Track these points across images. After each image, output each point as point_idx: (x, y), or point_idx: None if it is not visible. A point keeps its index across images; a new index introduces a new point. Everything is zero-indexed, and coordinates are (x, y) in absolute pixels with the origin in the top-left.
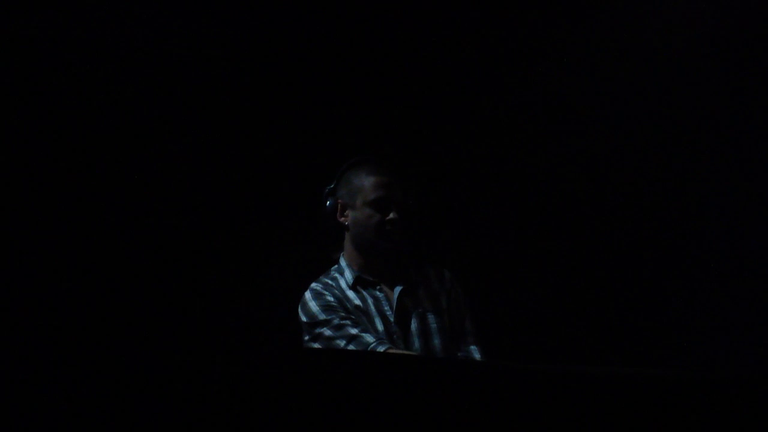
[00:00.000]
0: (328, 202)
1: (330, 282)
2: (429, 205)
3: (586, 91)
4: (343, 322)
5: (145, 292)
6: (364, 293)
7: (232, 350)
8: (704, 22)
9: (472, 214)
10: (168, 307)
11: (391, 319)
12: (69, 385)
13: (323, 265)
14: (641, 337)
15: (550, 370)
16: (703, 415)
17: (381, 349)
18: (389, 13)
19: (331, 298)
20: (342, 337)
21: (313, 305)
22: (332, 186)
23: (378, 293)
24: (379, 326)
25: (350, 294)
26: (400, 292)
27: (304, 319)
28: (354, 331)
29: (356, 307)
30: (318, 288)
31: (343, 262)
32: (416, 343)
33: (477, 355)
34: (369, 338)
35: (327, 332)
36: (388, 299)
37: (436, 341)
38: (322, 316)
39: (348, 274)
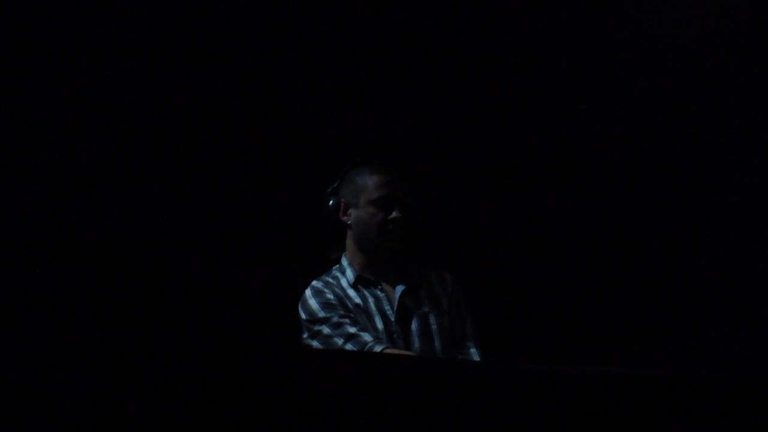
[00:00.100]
0: (330, 201)
1: (331, 280)
2: (430, 205)
3: (588, 90)
4: (342, 320)
5: (145, 292)
6: (365, 292)
7: (229, 350)
8: (703, 20)
9: (471, 213)
10: (167, 307)
11: (392, 318)
12: (69, 384)
13: (321, 265)
14: (641, 337)
15: (548, 370)
16: (703, 415)
17: (378, 348)
18: (392, 12)
19: (331, 296)
20: (340, 336)
21: (313, 303)
22: (335, 185)
23: (379, 292)
24: (379, 325)
25: (351, 292)
26: (402, 292)
27: (303, 316)
28: (352, 329)
29: (356, 305)
30: (318, 286)
31: (344, 261)
32: (416, 343)
33: (476, 359)
34: (367, 337)
35: (325, 330)
36: (389, 298)
37: (437, 342)
38: (321, 314)
39: (349, 273)
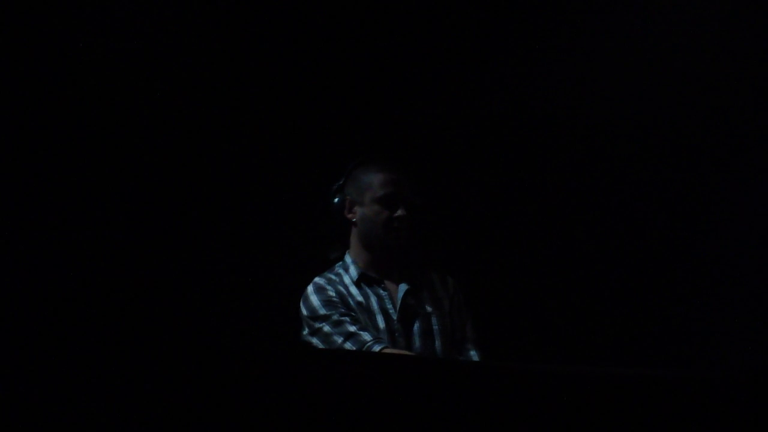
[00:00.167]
0: (336, 199)
1: (333, 277)
2: (432, 205)
3: (589, 90)
4: (342, 318)
5: (143, 291)
6: (368, 290)
7: (226, 350)
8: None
9: (471, 214)
10: (166, 307)
11: (394, 317)
12: (69, 384)
13: (319, 264)
14: (640, 337)
15: (547, 370)
16: (703, 415)
17: (377, 348)
18: (397, 11)
19: (332, 294)
20: (340, 334)
21: (315, 299)
22: (340, 182)
23: (381, 291)
24: (381, 323)
25: (353, 290)
26: (405, 291)
27: (304, 312)
28: (352, 328)
29: (358, 303)
30: (321, 282)
31: (348, 259)
32: (417, 343)
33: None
34: (366, 336)
35: (326, 328)
36: (392, 297)
37: (437, 344)
38: (322, 311)
39: (353, 270)
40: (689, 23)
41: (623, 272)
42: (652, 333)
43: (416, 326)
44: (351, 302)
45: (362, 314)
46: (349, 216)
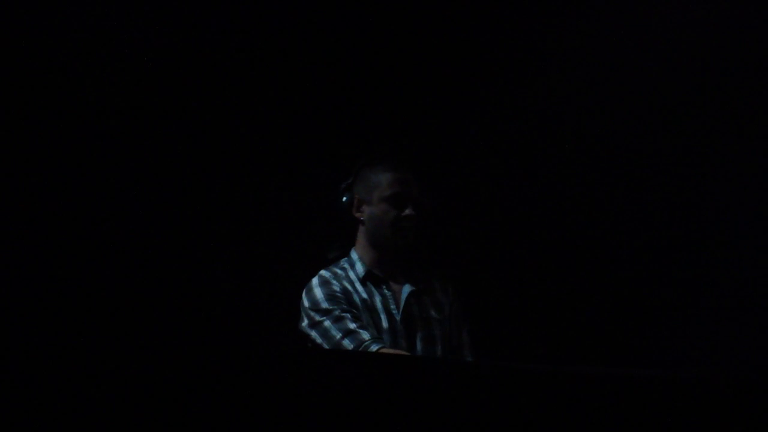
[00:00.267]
0: (344, 197)
1: (339, 272)
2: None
3: (589, 91)
4: (344, 314)
5: (142, 290)
6: (373, 288)
7: (224, 349)
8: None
9: (470, 216)
10: (164, 307)
11: (397, 318)
12: (69, 384)
13: (318, 264)
14: (640, 338)
15: (545, 370)
16: (703, 415)
17: (374, 347)
18: (401, 12)
19: (337, 288)
20: (339, 330)
21: (318, 292)
22: (349, 181)
23: (386, 291)
24: (384, 323)
25: (359, 287)
26: (409, 293)
27: (306, 303)
28: (352, 325)
29: (363, 300)
30: (326, 276)
31: (354, 255)
32: (419, 346)
33: None
34: (365, 335)
35: (326, 322)
36: (395, 298)
37: (438, 348)
38: (324, 305)
39: (359, 267)
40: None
41: (622, 273)
42: (652, 333)
43: (419, 330)
44: (355, 299)
45: (365, 312)
46: (357, 215)
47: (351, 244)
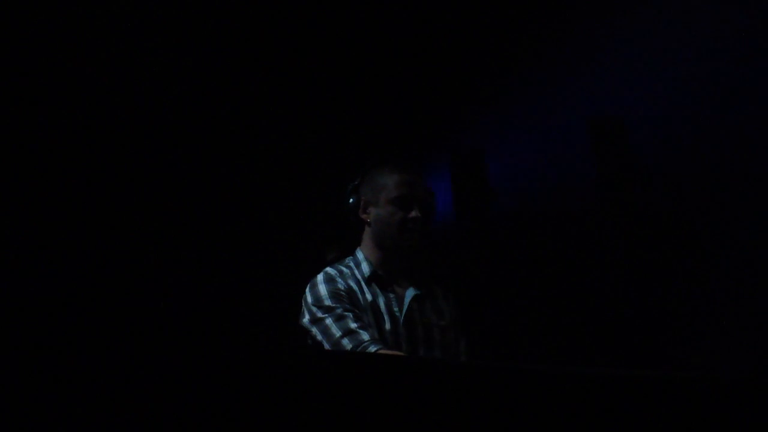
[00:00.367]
0: (351, 199)
1: (345, 270)
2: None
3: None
4: (345, 313)
5: (141, 290)
6: (377, 289)
7: (221, 350)
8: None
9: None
10: (163, 308)
11: (400, 321)
12: (69, 384)
13: (317, 265)
14: (639, 338)
15: (543, 371)
16: (703, 415)
17: (373, 348)
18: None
19: (341, 286)
20: (340, 329)
21: (323, 288)
22: (356, 183)
23: (390, 294)
24: (387, 325)
25: (364, 287)
26: (413, 297)
27: (309, 299)
28: (353, 325)
29: (367, 301)
30: (332, 273)
31: (360, 255)
32: (420, 351)
33: None
34: (364, 336)
35: (328, 320)
36: (399, 301)
37: (438, 353)
38: (327, 302)
39: (365, 267)
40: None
41: (622, 272)
42: (651, 334)
43: (420, 334)
44: (359, 298)
45: (368, 312)
46: (364, 216)
47: (356, 244)
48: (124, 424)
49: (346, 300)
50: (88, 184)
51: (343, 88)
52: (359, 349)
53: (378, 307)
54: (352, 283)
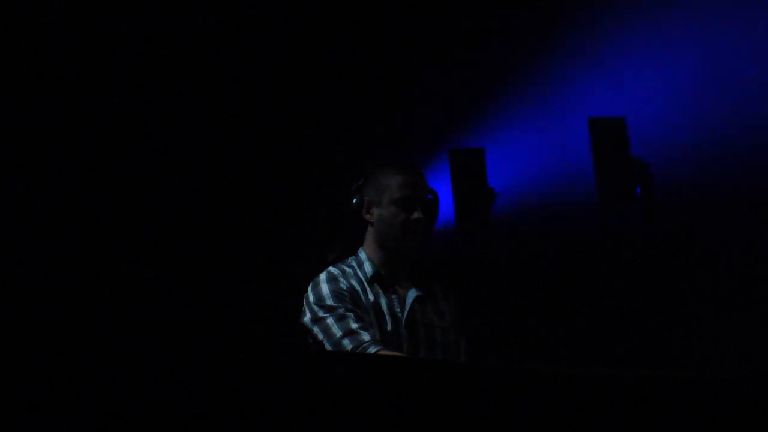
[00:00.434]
0: (354, 199)
1: (347, 269)
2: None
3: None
4: (347, 313)
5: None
6: (379, 290)
7: (221, 349)
8: None
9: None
10: (162, 309)
11: (402, 322)
12: (69, 385)
13: (316, 266)
14: (640, 339)
15: (543, 372)
16: (703, 415)
17: (373, 349)
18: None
19: (344, 286)
20: (341, 329)
21: (325, 287)
22: (360, 183)
23: (392, 294)
24: (389, 326)
25: (367, 287)
26: (415, 298)
27: (311, 298)
28: (354, 325)
29: (369, 301)
30: (335, 272)
31: (362, 255)
32: (421, 352)
33: None
34: (365, 336)
35: (329, 320)
36: (401, 302)
37: (438, 354)
38: (329, 302)
39: (367, 267)
40: None
41: (622, 274)
42: (651, 334)
43: (422, 335)
44: (361, 298)
45: (370, 312)
46: (367, 216)
47: (358, 244)
48: (124, 424)
49: (348, 300)
50: (88, 184)
51: (343, 88)
52: (359, 349)
53: (380, 307)
54: (355, 283)
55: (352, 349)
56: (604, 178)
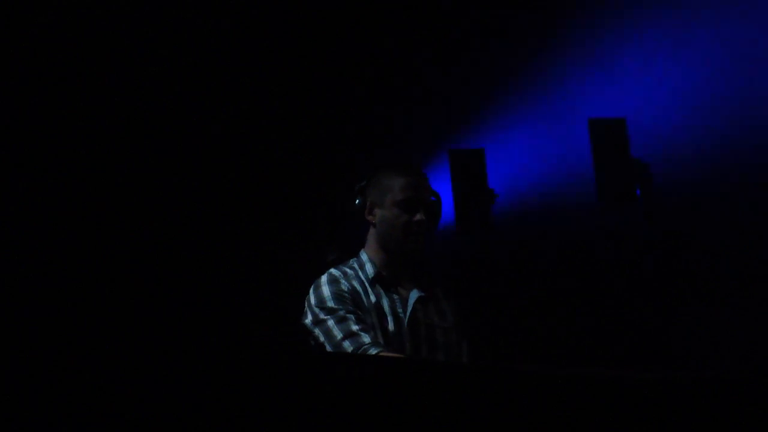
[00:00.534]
0: (357, 200)
1: (349, 271)
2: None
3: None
4: (348, 315)
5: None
6: (381, 291)
7: (222, 350)
8: None
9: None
10: (161, 309)
11: (404, 323)
12: (69, 385)
13: (316, 268)
14: (640, 339)
15: (543, 373)
16: (703, 415)
17: (373, 351)
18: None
19: (345, 288)
20: (341, 331)
21: (326, 290)
22: (363, 184)
23: (394, 295)
24: (391, 327)
25: (368, 288)
26: (417, 299)
27: (312, 300)
28: (355, 327)
29: (371, 302)
30: (336, 274)
31: (364, 256)
32: (423, 352)
33: None
34: (365, 338)
35: (329, 322)
36: (403, 302)
37: (440, 355)
38: (330, 304)
39: (369, 268)
40: None
41: (622, 274)
42: (651, 335)
43: (423, 335)
44: (363, 299)
45: (372, 313)
46: (369, 218)
47: (358, 245)
48: (124, 424)
49: (349, 302)
50: (88, 184)
51: (343, 89)
52: (360, 351)
53: (382, 308)
54: (356, 285)
55: (352, 351)
56: (604, 179)
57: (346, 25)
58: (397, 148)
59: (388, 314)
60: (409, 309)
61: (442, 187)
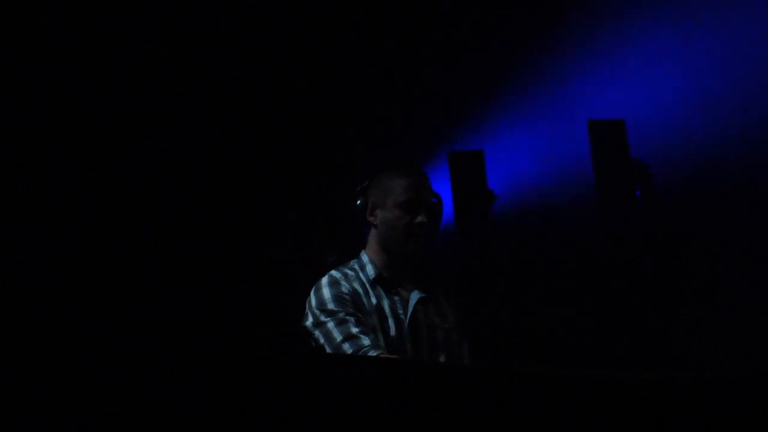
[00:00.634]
0: (358, 201)
1: (350, 272)
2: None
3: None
4: (347, 318)
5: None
6: (382, 292)
7: (222, 352)
8: None
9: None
10: (161, 310)
11: (405, 324)
12: (69, 385)
13: (316, 269)
14: (641, 340)
15: (543, 373)
16: (703, 415)
17: (373, 353)
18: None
19: (345, 290)
20: (341, 333)
21: (326, 292)
22: (364, 185)
23: (395, 296)
24: (392, 328)
25: (369, 289)
26: (418, 300)
27: (313, 302)
28: (355, 330)
29: (372, 303)
30: (336, 276)
31: (365, 258)
32: (424, 353)
33: None
34: (365, 341)
35: (329, 324)
36: (403, 304)
37: (441, 356)
38: (330, 306)
39: (369, 269)
40: None
41: (622, 275)
42: (651, 336)
43: (424, 336)
44: (363, 301)
45: (373, 315)
46: (371, 219)
47: (358, 247)
48: (124, 424)
49: (349, 304)
50: (88, 184)
51: (343, 90)
52: (359, 353)
53: (383, 309)
54: (357, 286)
55: (352, 353)
56: (604, 181)
57: (346, 25)
58: (397, 148)
59: (388, 315)
60: (410, 310)
61: (442, 188)
